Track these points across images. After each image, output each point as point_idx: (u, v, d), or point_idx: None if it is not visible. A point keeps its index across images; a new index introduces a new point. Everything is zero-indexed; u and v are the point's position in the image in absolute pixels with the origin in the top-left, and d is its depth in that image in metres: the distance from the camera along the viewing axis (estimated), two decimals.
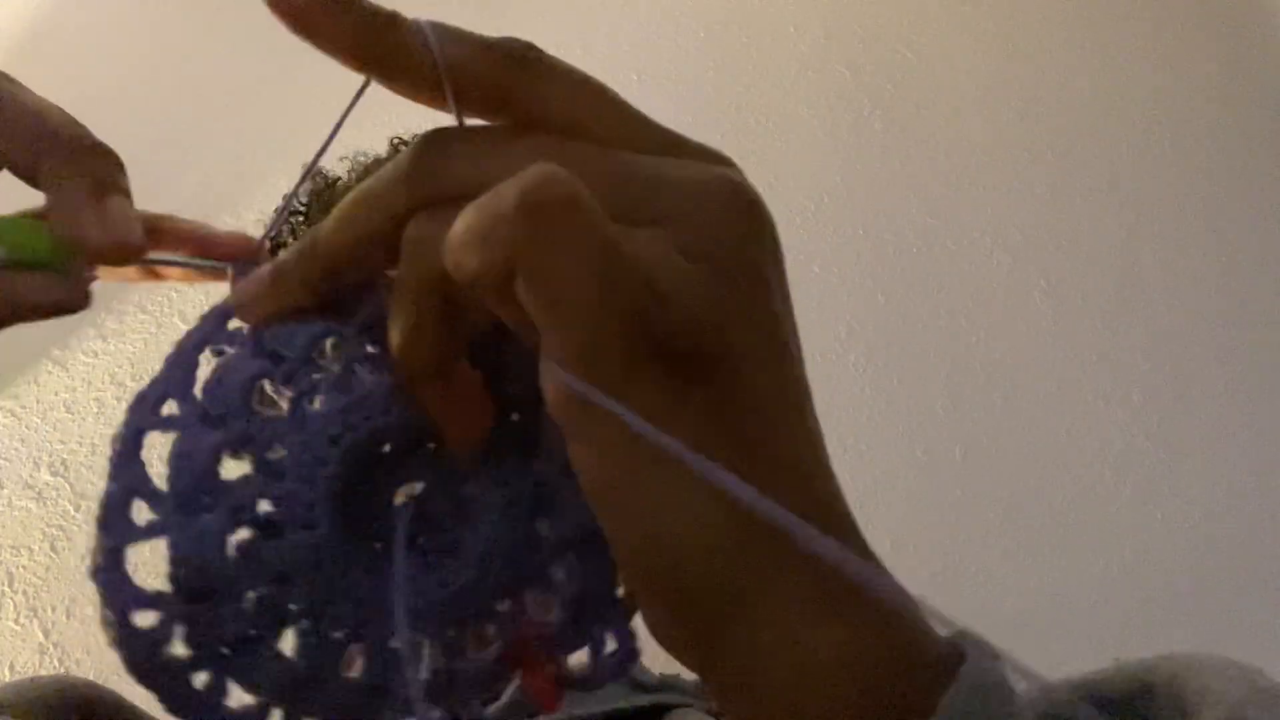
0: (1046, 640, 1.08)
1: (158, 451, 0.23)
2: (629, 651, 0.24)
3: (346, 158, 0.66)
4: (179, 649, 0.22)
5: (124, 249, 0.22)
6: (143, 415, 0.22)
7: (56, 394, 1.21)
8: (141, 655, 0.21)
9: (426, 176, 0.21)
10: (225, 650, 0.22)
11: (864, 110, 1.46)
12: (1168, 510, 1.19)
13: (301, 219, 0.65)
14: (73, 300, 0.23)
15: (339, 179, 0.65)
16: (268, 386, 0.23)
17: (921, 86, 1.47)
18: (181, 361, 0.23)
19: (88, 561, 0.22)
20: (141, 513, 0.22)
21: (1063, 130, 1.43)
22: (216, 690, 0.22)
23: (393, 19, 0.22)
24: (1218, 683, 0.26)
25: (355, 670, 0.23)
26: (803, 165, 1.41)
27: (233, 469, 0.22)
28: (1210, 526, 1.18)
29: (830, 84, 1.48)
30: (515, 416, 0.24)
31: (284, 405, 0.23)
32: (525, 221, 0.18)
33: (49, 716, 0.40)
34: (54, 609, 1.11)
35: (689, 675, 0.51)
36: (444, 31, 0.22)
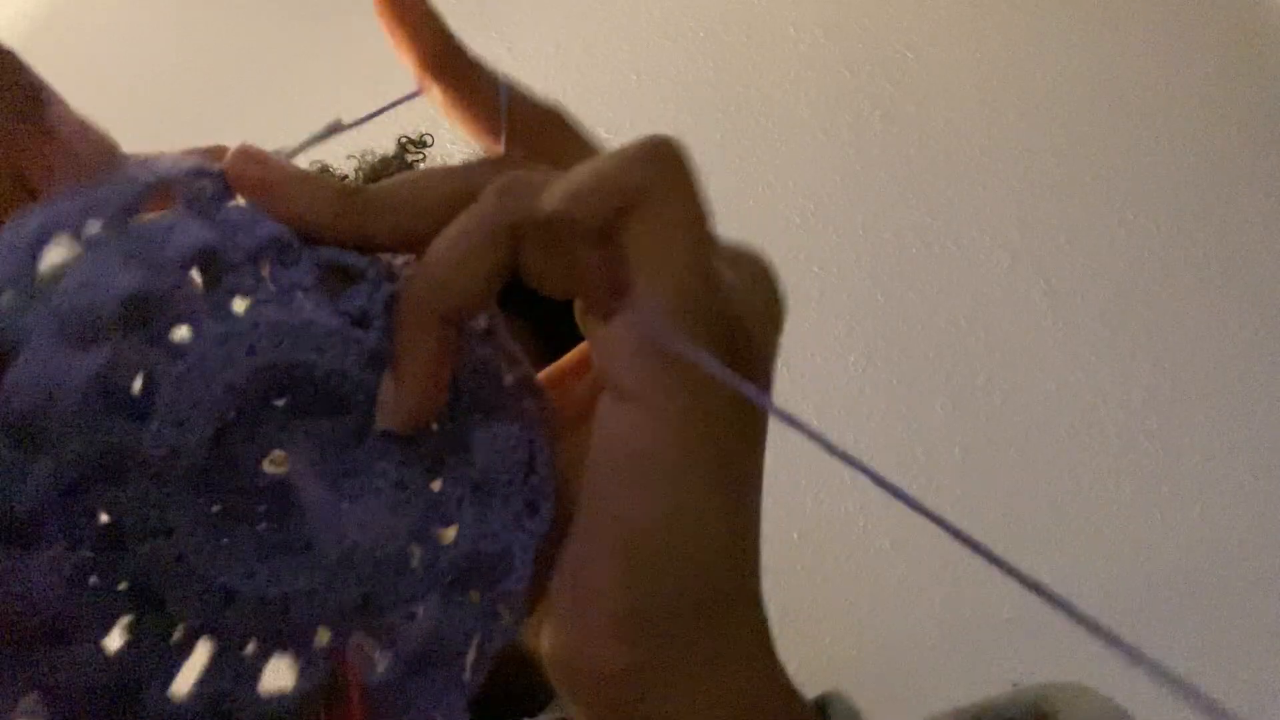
0: (1046, 640, 1.08)
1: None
2: None
3: (354, 156, 0.66)
4: None
5: (88, 164, 0.21)
6: (64, 209, 0.18)
7: None
8: None
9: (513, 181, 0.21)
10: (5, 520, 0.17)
11: (864, 110, 1.46)
12: (1168, 510, 1.19)
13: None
14: None
15: (345, 177, 0.65)
16: (201, 268, 0.19)
17: (921, 86, 1.47)
18: (127, 190, 0.19)
19: None
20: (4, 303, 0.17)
21: (1063, 130, 1.43)
22: None
23: (464, 53, 0.25)
24: (1077, 708, 0.27)
25: (115, 642, 0.18)
26: (802, 165, 1.40)
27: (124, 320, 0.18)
28: (1210, 526, 1.18)
29: (830, 84, 1.48)
30: (434, 426, 0.21)
31: (207, 290, 0.19)
32: (657, 162, 0.20)
33: None
34: None
35: None
36: (510, 84, 0.24)
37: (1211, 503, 1.20)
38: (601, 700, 0.20)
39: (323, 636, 0.19)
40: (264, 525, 0.19)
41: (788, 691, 0.22)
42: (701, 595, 0.20)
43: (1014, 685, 0.29)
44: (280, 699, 0.19)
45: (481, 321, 0.23)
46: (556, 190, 0.20)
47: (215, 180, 0.21)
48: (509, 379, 0.23)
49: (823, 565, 1.17)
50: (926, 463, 1.21)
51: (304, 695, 0.19)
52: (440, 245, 0.20)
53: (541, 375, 0.25)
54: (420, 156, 0.68)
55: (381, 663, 0.20)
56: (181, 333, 0.19)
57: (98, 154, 0.20)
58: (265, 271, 0.20)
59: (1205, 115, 1.43)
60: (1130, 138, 1.42)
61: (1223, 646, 1.11)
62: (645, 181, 0.19)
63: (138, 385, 0.18)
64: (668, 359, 0.19)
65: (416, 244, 0.21)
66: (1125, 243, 1.35)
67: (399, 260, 0.22)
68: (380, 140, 0.67)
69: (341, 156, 0.66)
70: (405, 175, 0.22)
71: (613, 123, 1.32)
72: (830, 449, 0.19)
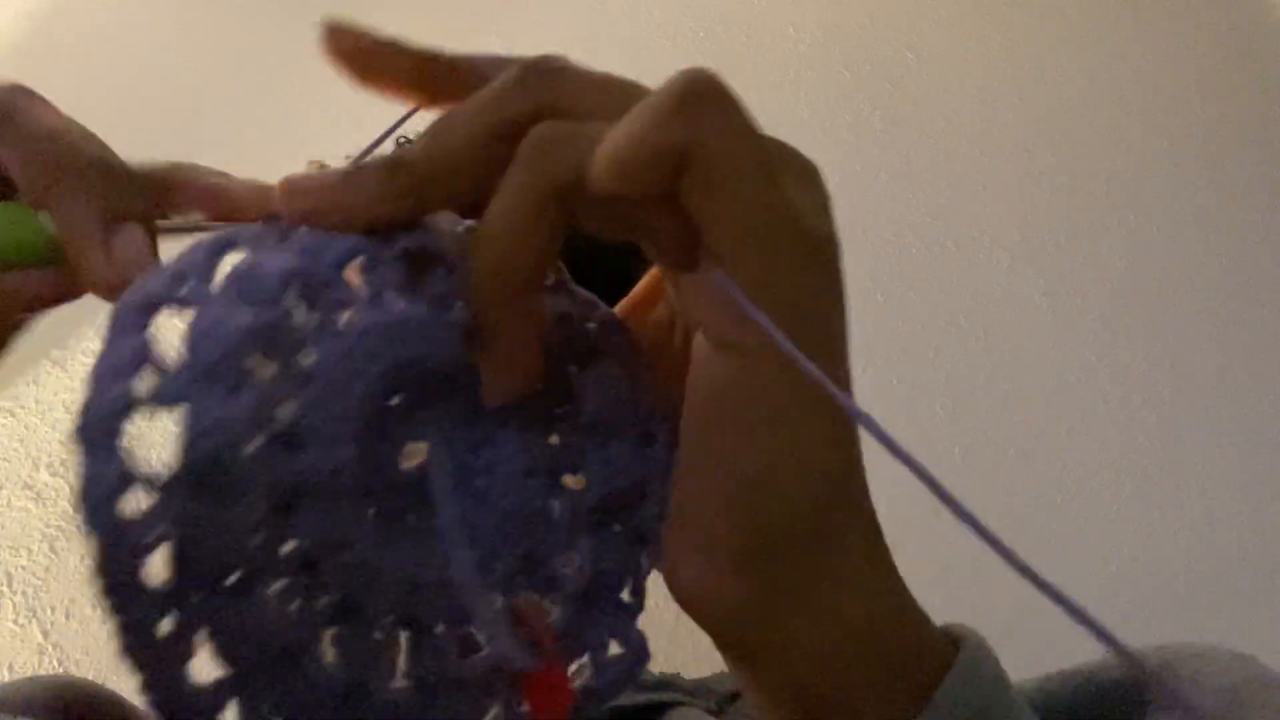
0: (1046, 640, 1.08)
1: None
2: (637, 655, 0.22)
3: (350, 156, 0.66)
4: (161, 570, 0.18)
5: (123, 288, 0.20)
6: (159, 283, 0.19)
7: (56, 394, 1.21)
8: (120, 555, 0.17)
9: (547, 83, 0.20)
10: (199, 597, 0.18)
11: (863, 110, 1.46)
12: (1168, 510, 1.19)
13: None
14: (66, 292, 0.21)
15: None
16: (295, 293, 0.20)
17: (921, 87, 1.47)
18: (206, 249, 0.20)
19: (74, 423, 0.18)
20: (145, 381, 0.18)
21: (1062, 130, 1.43)
22: (183, 641, 0.18)
23: (438, 56, 0.22)
24: (1210, 668, 0.27)
25: (331, 658, 0.20)
26: None
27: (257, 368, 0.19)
28: (1210, 526, 1.18)
29: (829, 84, 1.48)
30: (539, 386, 0.22)
31: (310, 314, 0.20)
32: (699, 111, 0.18)
33: (48, 715, 0.40)
34: (53, 609, 1.11)
35: (688, 674, 0.51)
36: (495, 59, 0.22)
37: (1211, 502, 1.20)
38: (726, 630, 0.21)
39: (496, 601, 0.21)
40: (413, 517, 0.20)
41: (905, 609, 0.22)
42: (812, 527, 0.20)
43: (1106, 652, 0.29)
44: (478, 664, 0.20)
45: (549, 277, 0.23)
46: (600, 160, 0.18)
47: (267, 229, 0.21)
48: (592, 324, 0.24)
49: None
50: (926, 463, 1.21)
51: (497, 657, 0.20)
52: (490, 225, 0.20)
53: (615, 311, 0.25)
54: None
55: (554, 609, 0.21)
56: (308, 357, 0.19)
57: (82, 142, 0.21)
58: (356, 280, 0.20)
59: (1205, 115, 1.43)
60: (1130, 138, 1.42)
61: (1222, 645, 1.11)
62: (689, 138, 0.18)
63: (284, 416, 0.19)
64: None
65: (472, 199, 0.21)
66: (1125, 243, 1.35)
67: (460, 227, 0.22)
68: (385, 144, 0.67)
69: (340, 157, 0.66)
70: (435, 128, 0.20)
71: None
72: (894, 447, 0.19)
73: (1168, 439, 1.23)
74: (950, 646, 0.23)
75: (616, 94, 0.20)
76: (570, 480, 0.22)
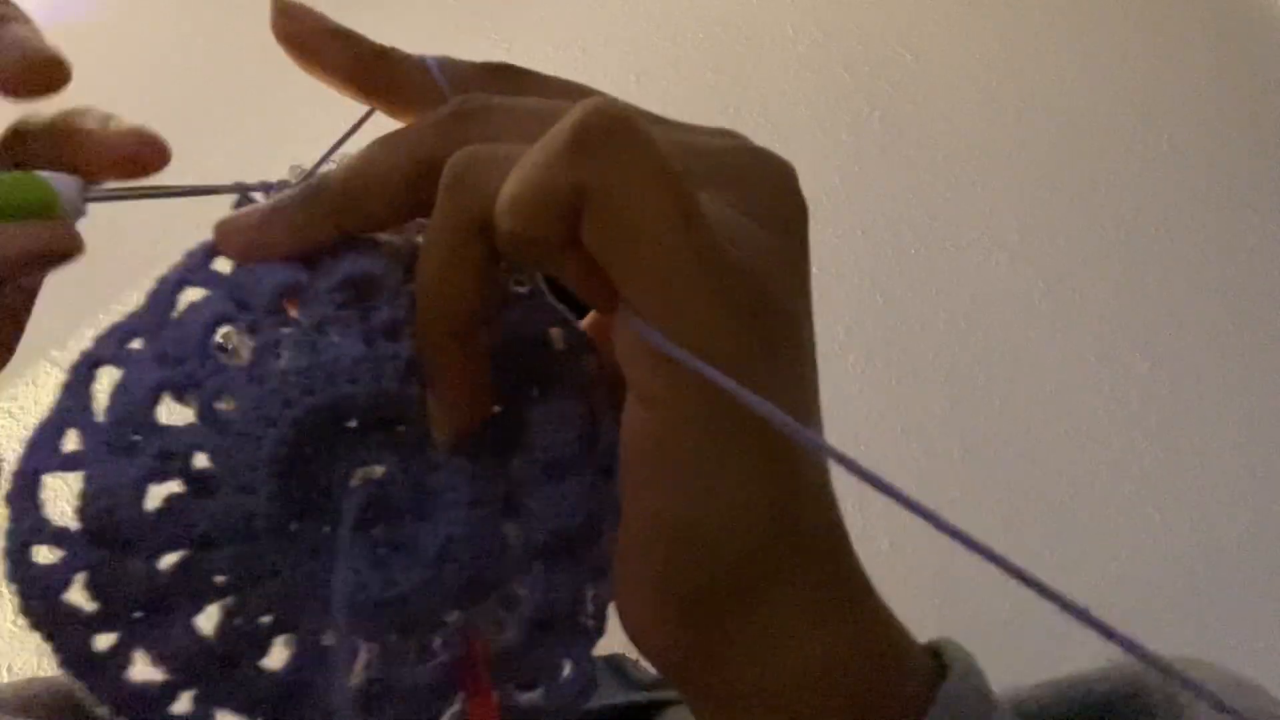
0: (1045, 640, 1.08)
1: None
2: (586, 683, 0.22)
3: (333, 161, 0.66)
4: (81, 599, 0.19)
5: (39, 69, 0.20)
6: (103, 346, 0.21)
7: (54, 394, 1.21)
8: (36, 595, 0.19)
9: (474, 121, 0.19)
10: (138, 614, 0.20)
11: (862, 111, 1.46)
12: (1167, 510, 1.19)
13: None
14: (64, 242, 0.21)
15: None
16: (233, 335, 0.20)
17: (920, 87, 1.47)
18: (157, 299, 0.21)
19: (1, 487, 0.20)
20: (71, 442, 0.20)
21: (1062, 130, 1.43)
22: (120, 656, 0.20)
23: (386, 50, 0.21)
24: (1209, 682, 0.26)
25: (278, 662, 0.21)
26: (801, 166, 1.39)
27: (177, 415, 0.20)
28: (1209, 526, 1.18)
29: (829, 85, 1.48)
30: (496, 408, 0.22)
31: (242, 356, 0.20)
32: (590, 150, 0.17)
33: (48, 716, 0.40)
34: None
35: None
36: (442, 60, 0.22)
37: (1211, 503, 1.20)
38: (671, 672, 0.21)
39: (451, 615, 0.21)
40: (370, 534, 0.21)
41: (872, 642, 0.21)
42: (742, 578, 0.20)
43: (1108, 661, 0.28)
44: (428, 672, 0.21)
45: (523, 287, 0.23)
46: (500, 202, 0.18)
47: (196, 261, 0.22)
48: (560, 343, 0.23)
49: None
50: (926, 463, 1.21)
51: (444, 669, 0.21)
52: (422, 269, 0.20)
53: (585, 325, 0.24)
54: None
55: (509, 629, 0.22)
56: (227, 403, 0.20)
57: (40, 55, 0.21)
58: (290, 317, 0.21)
59: (1205, 115, 1.43)
60: (1129, 138, 1.42)
61: (1223, 646, 1.11)
62: (582, 179, 0.17)
63: (200, 463, 0.20)
64: (673, 362, 0.17)
65: (395, 222, 0.21)
66: (1125, 243, 1.35)
67: (418, 238, 0.22)
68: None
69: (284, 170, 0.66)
70: (358, 154, 0.21)
71: None
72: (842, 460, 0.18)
73: (1168, 439, 1.23)
74: (934, 674, 0.22)
75: (548, 120, 0.18)
76: (528, 507, 0.22)
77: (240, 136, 1.38)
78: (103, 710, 0.20)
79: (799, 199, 0.21)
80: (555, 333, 0.23)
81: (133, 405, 0.20)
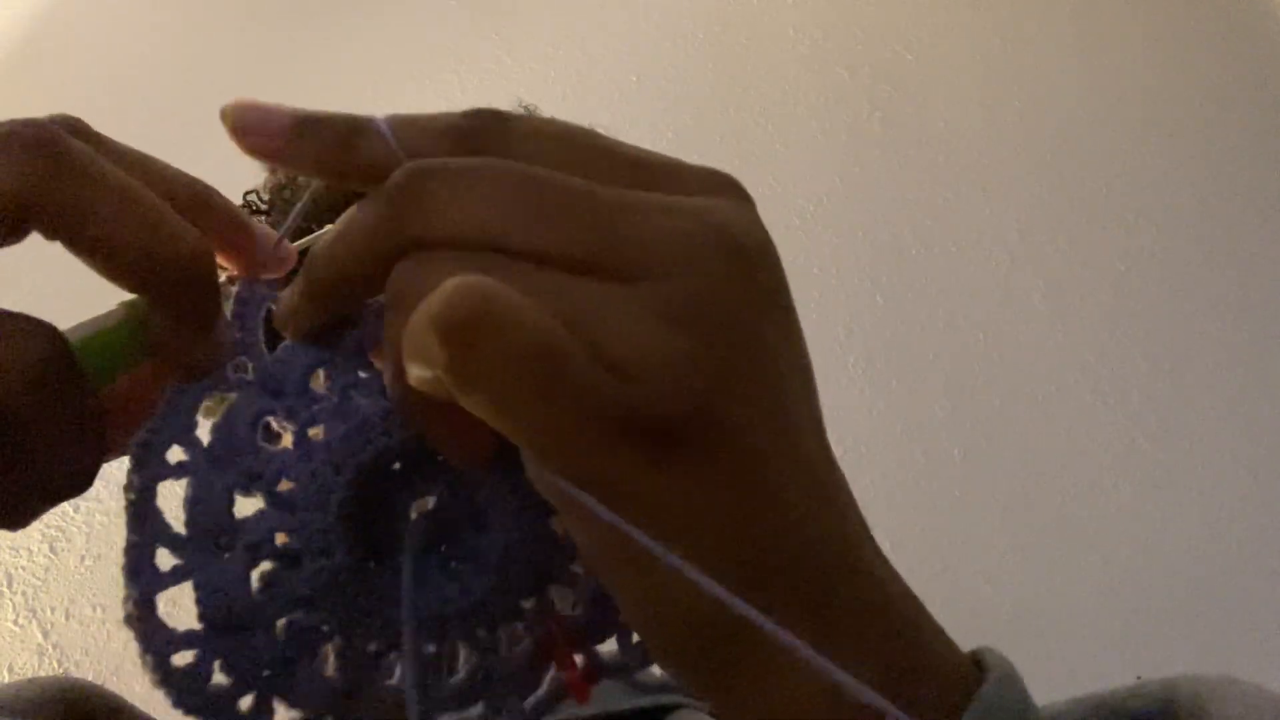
0: (1046, 640, 1.08)
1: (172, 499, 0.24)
2: None
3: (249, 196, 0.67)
4: (220, 679, 0.23)
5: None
6: (152, 466, 0.23)
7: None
8: (186, 691, 0.22)
9: (409, 219, 0.20)
10: (266, 672, 0.23)
11: (863, 111, 1.46)
12: (1167, 510, 1.19)
13: (265, 217, 0.66)
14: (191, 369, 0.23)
15: (259, 207, 0.66)
16: (273, 423, 0.24)
17: (920, 88, 1.47)
18: (182, 407, 0.24)
19: (124, 611, 0.23)
20: (165, 559, 0.23)
21: (1062, 131, 1.43)
22: (263, 710, 0.23)
23: (347, 133, 0.22)
24: (1240, 705, 0.26)
25: (394, 678, 0.24)
26: (801, 167, 1.41)
27: (247, 505, 0.23)
28: (1209, 527, 1.18)
29: (829, 85, 1.48)
30: None
31: (288, 438, 0.23)
32: (445, 343, 0.17)
33: (48, 717, 0.40)
34: (53, 610, 1.11)
35: None
36: (402, 124, 0.21)
37: (1211, 503, 1.20)
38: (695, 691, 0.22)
39: (527, 602, 0.24)
40: (434, 556, 0.24)
41: (888, 660, 0.20)
42: (719, 642, 0.20)
43: (1138, 678, 0.29)
44: (517, 657, 0.24)
45: None
46: (405, 362, 0.19)
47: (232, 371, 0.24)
48: None
49: None
50: (926, 463, 1.21)
51: (532, 647, 0.24)
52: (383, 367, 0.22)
53: None
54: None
55: (577, 602, 0.25)
56: (285, 484, 0.23)
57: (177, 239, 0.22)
58: (322, 388, 0.24)
59: (1205, 116, 1.43)
60: (1130, 138, 1.42)
61: (1223, 646, 1.11)
62: (445, 361, 0.17)
63: (280, 540, 0.23)
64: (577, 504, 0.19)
65: (368, 293, 0.22)
66: (1125, 243, 1.35)
67: None
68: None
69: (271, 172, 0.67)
70: (318, 251, 0.22)
71: (613, 123, 1.32)
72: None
73: (1168, 439, 1.23)
74: (972, 682, 0.21)
75: (473, 215, 0.20)
76: None
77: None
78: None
79: (747, 279, 0.20)
80: None
81: (212, 511, 0.23)
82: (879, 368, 1.28)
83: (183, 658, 0.22)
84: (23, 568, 1.13)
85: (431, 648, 0.24)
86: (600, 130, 0.22)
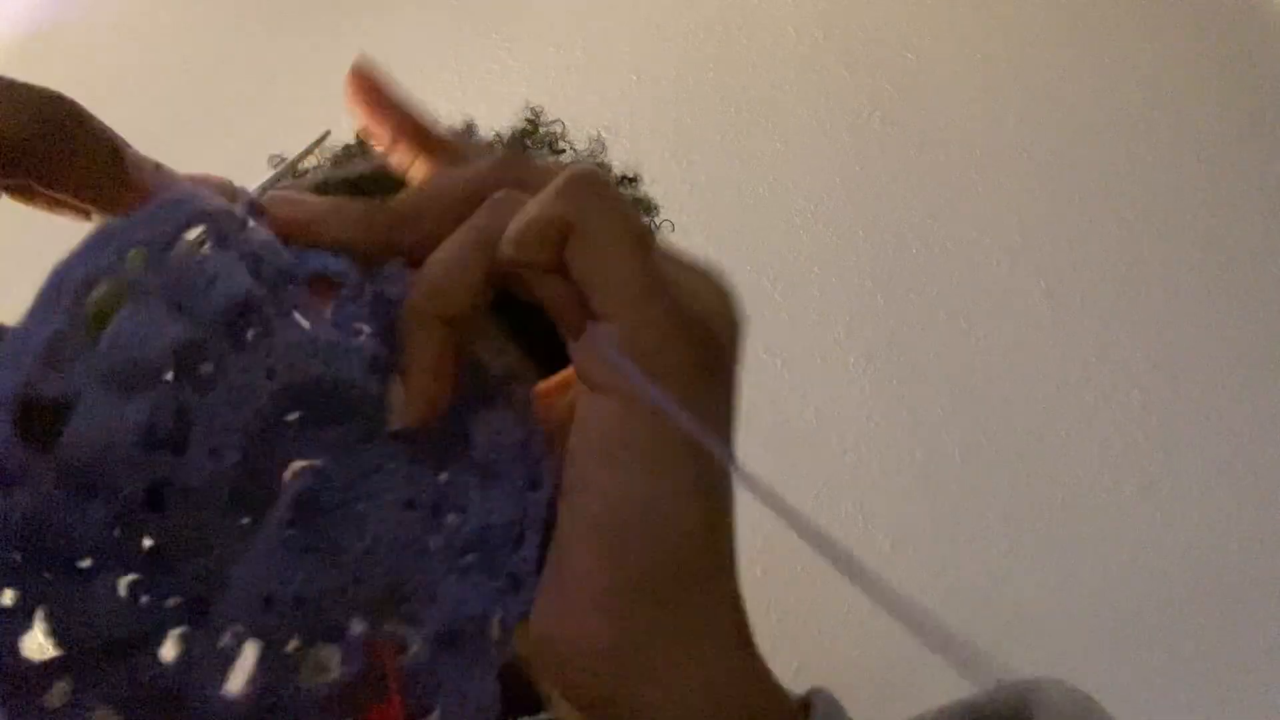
0: (1046, 640, 1.08)
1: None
2: (489, 703, 0.22)
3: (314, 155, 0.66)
4: (10, 551, 0.18)
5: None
6: (107, 257, 0.19)
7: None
8: None
9: (511, 164, 0.23)
10: (48, 574, 0.18)
11: (863, 111, 1.46)
12: (1168, 510, 1.19)
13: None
14: None
15: (308, 171, 0.65)
16: (241, 318, 0.20)
17: (920, 87, 1.47)
18: (173, 219, 0.20)
19: None
20: (59, 367, 0.18)
21: (1062, 130, 1.43)
22: (18, 616, 0.18)
23: (433, 127, 0.25)
24: (1050, 700, 0.28)
25: (170, 655, 0.19)
26: (801, 166, 1.40)
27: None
28: (1210, 527, 1.18)
29: (829, 85, 1.48)
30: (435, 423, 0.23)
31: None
32: (574, 194, 0.21)
33: None
34: None
35: None
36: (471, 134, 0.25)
37: (1211, 503, 1.20)
38: (585, 680, 0.21)
39: (357, 627, 0.21)
40: (290, 531, 0.21)
41: (763, 674, 0.23)
42: (677, 571, 0.21)
43: (998, 682, 0.29)
44: (325, 688, 0.21)
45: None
46: (505, 235, 0.21)
47: (233, 216, 0.21)
48: (496, 369, 0.24)
49: (822, 566, 1.17)
50: (926, 463, 1.21)
51: (346, 682, 0.21)
52: (437, 255, 0.22)
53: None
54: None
55: (413, 644, 0.22)
56: (206, 367, 0.20)
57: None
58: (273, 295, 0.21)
59: (1205, 115, 1.43)
60: (1130, 138, 1.42)
61: (1223, 647, 1.11)
62: (568, 213, 0.21)
63: (171, 420, 0.19)
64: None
65: (433, 244, 0.23)
66: (1125, 243, 1.35)
67: (379, 260, 0.23)
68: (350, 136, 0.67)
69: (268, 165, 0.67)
70: (419, 187, 0.24)
71: (613, 123, 1.32)
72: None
73: (1168, 439, 1.23)
74: (802, 713, 0.24)
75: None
76: (452, 518, 0.23)
77: (235, 135, 1.38)
78: None
79: (739, 312, 0.24)
80: (494, 363, 0.24)
81: (148, 353, 0.19)
82: (879, 367, 1.28)
83: None
84: None
85: (225, 641, 0.20)
86: (603, 131, 0.24)
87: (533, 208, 0.21)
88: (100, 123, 0.21)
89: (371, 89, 0.25)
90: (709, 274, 0.24)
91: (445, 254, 0.22)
